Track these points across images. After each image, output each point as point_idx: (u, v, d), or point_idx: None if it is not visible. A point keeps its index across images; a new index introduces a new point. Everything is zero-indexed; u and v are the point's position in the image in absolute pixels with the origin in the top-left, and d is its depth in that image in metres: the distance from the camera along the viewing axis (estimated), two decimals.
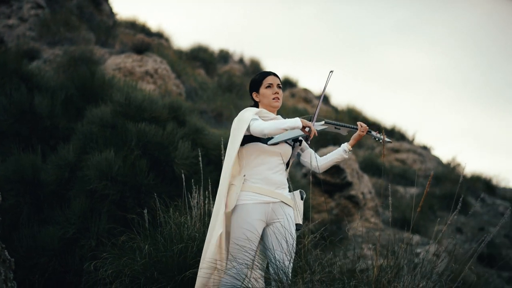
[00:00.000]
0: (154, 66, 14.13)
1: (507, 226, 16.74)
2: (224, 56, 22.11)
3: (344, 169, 14.26)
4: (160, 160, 8.31)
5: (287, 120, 5.41)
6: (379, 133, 5.80)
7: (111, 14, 18.23)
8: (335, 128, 5.80)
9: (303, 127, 5.34)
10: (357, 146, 17.24)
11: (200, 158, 6.63)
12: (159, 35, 18.96)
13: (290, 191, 5.78)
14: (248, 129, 5.51)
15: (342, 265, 5.57)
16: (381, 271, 5.11)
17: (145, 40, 15.62)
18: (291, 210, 5.68)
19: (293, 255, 5.54)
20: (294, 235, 5.64)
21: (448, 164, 22.56)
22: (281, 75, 21.74)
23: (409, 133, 24.54)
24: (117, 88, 9.45)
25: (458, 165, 22.31)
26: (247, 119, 5.55)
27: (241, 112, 5.73)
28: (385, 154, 21.23)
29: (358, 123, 5.73)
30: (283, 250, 5.45)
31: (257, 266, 5.60)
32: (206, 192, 6.52)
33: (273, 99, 5.77)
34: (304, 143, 5.85)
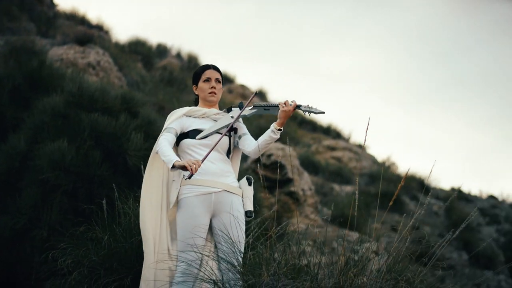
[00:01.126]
0: (97, 58, 14.01)
1: (441, 225, 17.04)
2: (162, 50, 22.02)
3: (285, 165, 14.33)
4: (113, 151, 8.26)
5: (167, 156, 5.39)
6: (308, 106, 5.58)
7: (52, 5, 18.02)
8: (265, 109, 5.73)
9: (182, 168, 5.31)
10: (293, 143, 17.33)
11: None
12: (99, 28, 18.81)
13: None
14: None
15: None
16: (347, 264, 5.16)
17: (87, 32, 15.49)
18: (237, 199, 5.66)
19: (243, 245, 5.57)
20: (243, 224, 5.65)
21: (383, 163, 22.87)
22: None
23: (345, 132, 24.80)
24: (68, 78, 9.34)
25: (393, 164, 22.66)
26: (163, 129, 5.68)
27: (171, 113, 5.81)
28: (321, 151, 21.44)
29: (281, 102, 5.60)
30: (230, 241, 5.47)
31: (212, 257, 5.62)
32: None
33: (209, 93, 5.76)
34: (241, 130, 5.84)
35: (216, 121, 5.71)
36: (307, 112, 5.59)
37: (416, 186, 20.62)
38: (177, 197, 5.59)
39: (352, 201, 5.73)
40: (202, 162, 5.37)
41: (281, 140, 15.39)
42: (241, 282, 5.25)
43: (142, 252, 5.79)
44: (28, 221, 7.69)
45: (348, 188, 18.76)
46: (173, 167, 5.31)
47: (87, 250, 6.10)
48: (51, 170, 7.77)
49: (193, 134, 5.65)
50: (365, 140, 5.61)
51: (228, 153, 5.81)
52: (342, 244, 5.29)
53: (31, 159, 8.10)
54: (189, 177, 5.32)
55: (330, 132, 24.05)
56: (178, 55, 22.23)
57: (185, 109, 5.76)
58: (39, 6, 16.87)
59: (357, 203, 5.55)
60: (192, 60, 21.74)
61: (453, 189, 24.75)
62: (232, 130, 5.78)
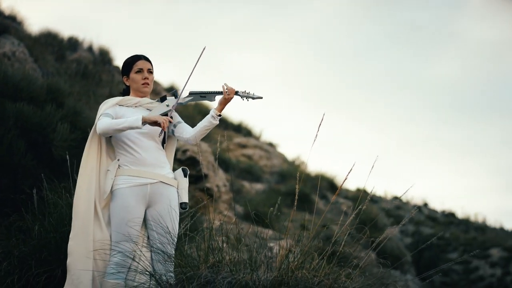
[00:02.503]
0: (12, 48, 13.67)
1: (351, 224, 17.23)
2: (74, 43, 21.64)
3: (200, 161, 14.31)
4: (38, 141, 8.09)
5: (128, 119, 5.37)
6: (246, 91, 5.68)
7: None
8: (201, 97, 5.72)
9: (154, 123, 5.35)
10: (206, 139, 17.29)
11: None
12: (12, 18, 18.36)
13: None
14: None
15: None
16: (286, 258, 5.18)
17: (2, 22, 15.09)
18: (172, 190, 5.65)
19: (176, 237, 5.55)
20: (177, 215, 5.63)
21: (293, 162, 23.05)
22: None
23: (256, 130, 24.85)
24: None
25: (303, 163, 22.84)
26: (97, 118, 5.57)
27: (103, 103, 5.72)
28: (232, 149, 21.46)
29: (223, 86, 5.63)
30: (164, 233, 5.45)
31: (146, 248, 5.58)
32: None
33: (142, 84, 5.71)
34: (176, 118, 5.79)
35: (150, 110, 5.66)
36: (245, 98, 5.66)
37: (326, 185, 20.85)
38: (112, 188, 5.52)
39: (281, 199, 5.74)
40: (168, 121, 5.38)
41: None
42: (173, 274, 5.23)
43: None
44: None
45: (258, 186, 18.82)
46: (143, 123, 5.30)
47: (17, 240, 5.98)
48: None
49: None
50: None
51: (163, 142, 5.76)
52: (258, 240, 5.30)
53: None
54: (161, 134, 5.40)
55: (241, 130, 24.09)
56: (90, 49, 21.88)
57: (117, 99, 5.70)
58: None
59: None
60: (103, 54, 21.42)
61: (358, 190, 25.17)
62: (164, 132, 5.76)
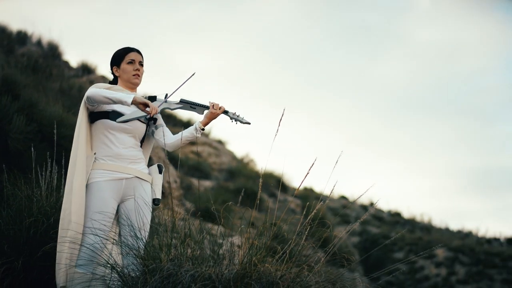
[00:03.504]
0: None
1: (298, 223, 17.30)
2: (22, 37, 21.38)
3: (151, 157, 14.24)
4: None
5: (119, 93, 5.38)
6: (235, 113, 5.76)
7: None
8: (191, 107, 5.78)
9: (143, 104, 5.34)
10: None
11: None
12: None
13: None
14: (86, 104, 5.51)
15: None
16: (249, 251, 5.19)
17: None
18: (147, 186, 5.66)
19: (148, 232, 5.54)
20: (150, 210, 5.64)
21: (242, 160, 23.07)
22: (79, 60, 21.34)
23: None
24: None
25: (251, 161, 22.89)
26: (86, 93, 5.51)
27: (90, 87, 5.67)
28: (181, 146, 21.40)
29: (211, 102, 5.71)
30: (137, 227, 5.44)
31: (115, 242, 5.56)
32: (56, 167, 6.37)
33: (133, 75, 5.73)
34: (159, 121, 5.83)
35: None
36: (233, 120, 5.74)
37: (274, 183, 20.90)
38: (87, 181, 5.50)
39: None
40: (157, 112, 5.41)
41: None
42: (141, 267, 5.22)
43: (33, 235, 5.67)
44: None
45: (207, 183, 18.81)
46: (133, 102, 5.30)
47: None
48: None
49: (113, 116, 5.58)
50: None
51: (142, 142, 5.77)
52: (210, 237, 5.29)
53: None
54: (146, 119, 5.49)
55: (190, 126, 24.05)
56: (39, 43, 21.65)
57: (107, 85, 5.66)
58: None
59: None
60: (53, 48, 21.20)
61: (305, 189, 25.28)
62: (152, 119, 5.75)
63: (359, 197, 5.97)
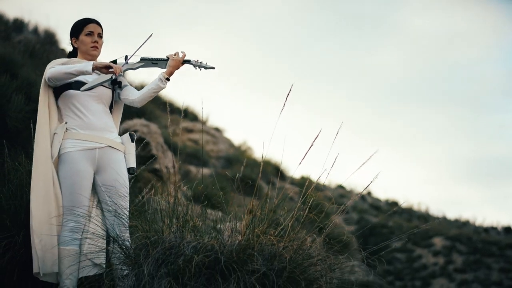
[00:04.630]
0: None
1: (298, 210, 17.25)
2: (19, 25, 21.32)
3: (150, 142, 14.20)
4: None
5: (77, 64, 5.37)
6: (198, 60, 5.68)
7: None
8: (152, 63, 5.71)
9: (105, 68, 5.30)
10: (155, 121, 17.16)
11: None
12: None
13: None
14: (45, 80, 5.51)
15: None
16: (251, 222, 5.18)
17: None
18: (120, 155, 5.64)
19: (128, 200, 5.52)
20: (127, 180, 5.62)
21: (239, 147, 23.01)
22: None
23: (202, 115, 24.66)
24: None
25: (249, 148, 22.83)
26: (45, 72, 5.52)
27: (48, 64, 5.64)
28: (178, 133, 21.33)
29: (171, 54, 5.63)
30: (117, 200, 5.43)
31: (98, 213, 5.55)
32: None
33: (92, 47, 5.71)
34: (123, 82, 5.80)
35: (99, 74, 5.58)
36: (197, 67, 5.65)
37: (272, 171, 20.84)
38: (59, 151, 5.47)
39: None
40: (117, 75, 5.41)
41: (145, 116, 15.19)
42: (129, 239, 5.20)
43: None
44: None
45: (205, 171, 18.76)
46: (93, 69, 5.29)
47: None
48: None
49: (76, 85, 5.55)
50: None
51: (111, 107, 5.73)
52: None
53: None
54: (112, 80, 5.46)
55: (188, 114, 23.94)
56: (35, 31, 21.58)
57: (64, 60, 5.65)
58: None
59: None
60: (50, 36, 21.14)
61: (303, 178, 25.24)
62: (116, 83, 5.70)
63: (365, 188, 5.93)
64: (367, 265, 5.95)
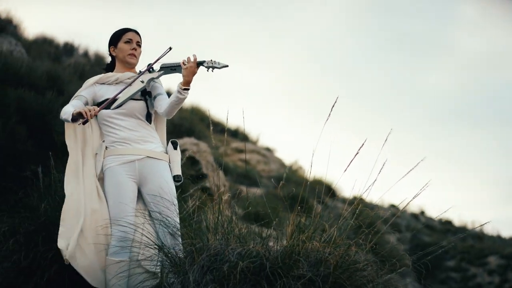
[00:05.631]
0: (10, 48, 13.65)
1: (349, 228, 17.13)
2: (69, 49, 21.62)
3: (200, 161, 14.24)
4: (39, 128, 8.04)
5: (68, 113, 5.37)
6: (211, 60, 5.52)
7: None
8: (171, 70, 5.65)
9: (78, 115, 5.28)
10: (206, 141, 17.22)
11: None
12: (9, 21, 18.32)
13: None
14: None
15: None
16: (297, 228, 5.14)
17: (0, 20, 15.07)
18: (162, 164, 5.62)
19: (176, 208, 5.50)
20: (173, 188, 5.61)
21: (291, 167, 22.92)
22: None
23: (253, 135, 24.73)
24: None
25: (300, 168, 22.73)
26: (72, 98, 5.63)
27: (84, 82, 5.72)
28: (229, 154, 21.37)
29: (188, 57, 5.50)
30: (165, 206, 5.42)
31: (149, 223, 5.55)
32: None
33: (129, 55, 5.70)
34: (155, 90, 5.76)
35: (131, 85, 5.59)
36: (210, 69, 5.50)
37: (324, 190, 20.70)
38: (102, 169, 5.55)
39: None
40: (98, 111, 5.34)
41: (195, 135, 15.24)
42: (181, 247, 5.19)
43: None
44: None
45: (256, 190, 18.73)
46: (73, 119, 5.30)
47: (23, 218, 5.92)
48: None
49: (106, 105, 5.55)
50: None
51: (148, 117, 5.71)
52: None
53: None
54: (84, 123, 5.30)
55: (238, 134, 23.99)
56: (86, 54, 21.87)
57: (97, 77, 5.71)
58: None
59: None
60: (99, 59, 21.41)
61: (355, 198, 25.02)
62: (146, 93, 5.70)
63: (410, 200, 5.87)
64: (421, 283, 5.87)
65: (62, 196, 5.96)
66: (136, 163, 5.52)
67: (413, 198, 5.83)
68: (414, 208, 32.15)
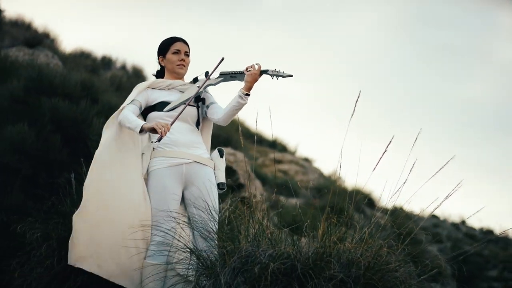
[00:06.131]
0: (47, 60, 13.78)
1: (388, 238, 16.97)
2: (107, 62, 21.81)
3: (237, 171, 14.23)
4: (73, 136, 8.09)
5: (135, 122, 5.34)
6: (275, 69, 5.53)
7: None
8: (231, 77, 5.69)
9: (152, 129, 5.27)
10: (242, 151, 17.23)
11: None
12: (46, 35, 18.52)
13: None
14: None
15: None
16: (328, 229, 5.11)
17: (36, 35, 15.24)
18: (208, 170, 5.64)
19: (217, 215, 5.49)
20: (216, 194, 5.61)
21: (329, 177, 22.81)
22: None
23: (291, 145, 24.72)
24: (27, 64, 9.16)
25: (339, 178, 22.60)
26: (126, 102, 5.63)
27: (134, 87, 5.73)
28: (268, 164, 21.33)
29: (252, 64, 5.55)
30: (205, 210, 5.40)
31: (187, 227, 5.54)
32: None
33: (178, 65, 5.76)
34: (208, 99, 5.81)
35: (183, 92, 5.65)
36: (274, 77, 5.52)
37: (363, 200, 20.62)
38: (148, 169, 5.54)
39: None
40: (171, 125, 5.32)
41: (232, 145, 15.25)
42: (216, 251, 5.17)
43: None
44: None
45: (294, 201, 18.66)
46: (141, 131, 5.26)
47: (56, 224, 5.96)
48: (11, 154, 7.58)
49: (160, 106, 5.63)
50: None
51: (197, 124, 5.76)
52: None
53: None
54: (159, 140, 5.28)
55: (276, 145, 23.98)
56: (123, 68, 22.04)
57: (149, 82, 5.75)
58: None
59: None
60: (137, 72, 21.57)
61: (395, 208, 24.84)
62: (200, 100, 5.73)
63: (443, 201, 5.81)
64: None
65: None
66: (183, 167, 5.55)
67: (446, 198, 5.73)
68: (454, 217, 31.85)
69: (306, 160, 24.00)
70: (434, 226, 29.47)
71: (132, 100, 5.61)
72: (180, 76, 5.79)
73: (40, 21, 19.36)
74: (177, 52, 5.76)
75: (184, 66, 5.78)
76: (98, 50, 24.28)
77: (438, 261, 6.05)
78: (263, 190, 15.57)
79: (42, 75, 8.43)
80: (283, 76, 5.52)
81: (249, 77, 5.48)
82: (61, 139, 7.95)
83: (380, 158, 5.38)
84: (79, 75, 9.52)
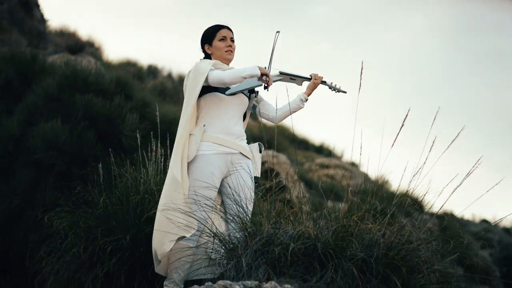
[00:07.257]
0: (89, 66, 13.91)
1: (437, 242, 16.74)
2: (153, 71, 22.00)
3: (280, 172, 14.21)
4: (107, 132, 8.17)
5: (246, 67, 5.36)
6: (332, 83, 5.84)
7: (42, 20, 17.94)
8: (290, 79, 5.80)
9: (261, 75, 5.32)
10: (287, 155, 17.23)
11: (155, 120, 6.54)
12: (90, 44, 18.77)
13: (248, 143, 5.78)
14: (206, 80, 5.44)
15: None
16: (350, 211, 5.09)
17: (79, 41, 15.43)
18: (249, 162, 5.67)
19: (251, 206, 5.49)
20: (252, 186, 5.62)
21: (376, 181, 22.62)
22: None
23: (337, 150, 24.64)
24: (62, 62, 9.27)
25: (386, 182, 22.45)
26: (205, 70, 5.46)
27: (196, 63, 5.65)
28: (314, 169, 21.25)
29: (312, 73, 5.81)
30: (242, 199, 5.41)
31: (220, 214, 5.55)
32: (162, 150, 6.41)
33: (226, 51, 5.76)
34: (260, 94, 5.88)
35: (240, 81, 5.61)
36: (331, 89, 5.86)
37: (410, 203, 20.43)
38: (196, 152, 5.51)
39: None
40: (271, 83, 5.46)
41: (273, 148, 15.28)
42: (239, 234, 5.14)
43: (140, 213, 5.72)
44: (22, 202, 7.58)
45: (341, 205, 18.57)
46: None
47: (83, 212, 6.00)
48: (45, 150, 7.66)
49: (222, 88, 5.60)
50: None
51: (245, 116, 5.86)
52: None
53: (25, 141, 7.96)
54: (250, 91, 5.65)
55: (323, 150, 23.92)
56: (169, 76, 22.21)
57: (212, 61, 5.67)
58: (30, 21, 16.74)
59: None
60: (182, 79, 21.72)
61: (445, 213, 24.54)
62: (254, 92, 5.84)
63: (480, 196, 5.76)
64: None
65: (122, 191, 6.04)
66: (230, 156, 5.58)
67: (484, 194, 5.66)
68: (506, 222, 31.36)
69: (353, 164, 23.88)
70: (485, 231, 29.10)
71: (210, 69, 5.50)
72: (228, 62, 5.80)
73: (84, 31, 19.60)
74: (223, 38, 5.77)
75: (231, 51, 5.80)
76: (144, 59, 24.48)
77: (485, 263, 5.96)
78: (306, 192, 15.51)
79: (76, 72, 8.51)
80: (339, 91, 5.86)
81: (313, 84, 5.77)
82: (95, 135, 8.02)
83: (398, 134, 5.32)
84: (113, 72, 9.60)
